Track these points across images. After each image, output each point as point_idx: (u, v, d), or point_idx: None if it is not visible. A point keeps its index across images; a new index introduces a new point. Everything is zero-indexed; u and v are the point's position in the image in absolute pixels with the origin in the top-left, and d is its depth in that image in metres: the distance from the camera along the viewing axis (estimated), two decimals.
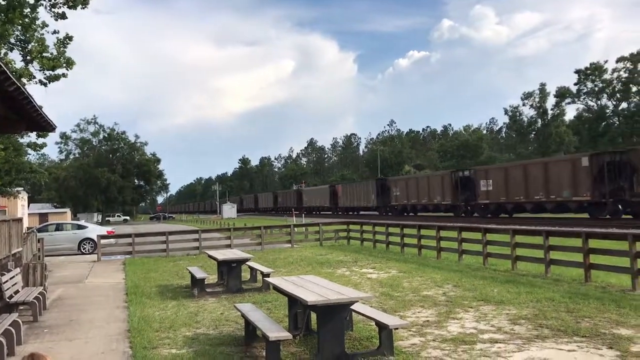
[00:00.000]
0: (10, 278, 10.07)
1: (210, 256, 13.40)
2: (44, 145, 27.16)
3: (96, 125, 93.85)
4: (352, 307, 7.03)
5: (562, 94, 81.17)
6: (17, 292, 10.21)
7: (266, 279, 8.74)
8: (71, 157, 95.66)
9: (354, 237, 23.67)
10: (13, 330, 7.48)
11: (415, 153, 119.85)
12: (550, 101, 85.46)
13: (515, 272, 13.13)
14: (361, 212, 62.03)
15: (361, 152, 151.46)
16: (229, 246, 22.30)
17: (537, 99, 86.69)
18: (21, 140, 27.84)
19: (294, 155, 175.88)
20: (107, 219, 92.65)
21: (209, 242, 23.22)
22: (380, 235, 21.15)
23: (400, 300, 10.25)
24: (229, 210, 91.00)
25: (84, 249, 24.78)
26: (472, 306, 9.49)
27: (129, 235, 23.05)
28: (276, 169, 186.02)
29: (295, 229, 25.81)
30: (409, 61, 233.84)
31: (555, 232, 14.36)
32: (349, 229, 24.62)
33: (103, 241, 22.58)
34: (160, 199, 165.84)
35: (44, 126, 11.76)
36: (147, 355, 7.12)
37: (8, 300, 9.36)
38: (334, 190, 70.56)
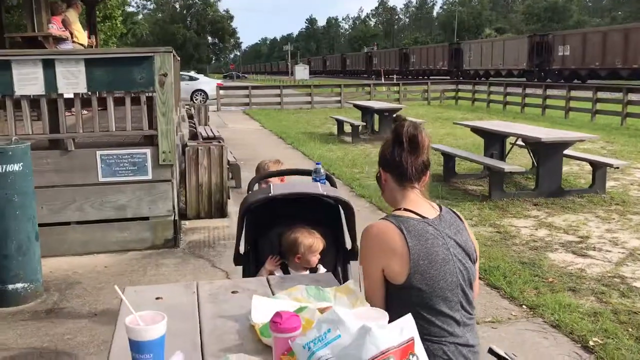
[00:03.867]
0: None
1: (356, 105, 13.86)
2: None
3: None
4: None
5: None
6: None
7: (456, 122, 9.06)
8: (144, 12, 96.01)
9: (463, 97, 23.47)
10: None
11: (496, 15, 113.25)
12: None
13: None
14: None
15: (435, 14, 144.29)
16: (339, 102, 22.76)
17: None
18: None
19: (363, 16, 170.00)
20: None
21: (318, 97, 23.68)
22: (496, 95, 20.98)
23: None
24: (302, 71, 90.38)
25: (195, 100, 25.78)
26: None
27: (245, 87, 23.75)
28: (343, 30, 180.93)
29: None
30: None
31: None
32: (457, 88, 24.40)
33: (213, 93, 23.63)
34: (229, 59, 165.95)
35: None
36: (362, 183, 7.79)
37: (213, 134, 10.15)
38: (456, 49, 54.68)
